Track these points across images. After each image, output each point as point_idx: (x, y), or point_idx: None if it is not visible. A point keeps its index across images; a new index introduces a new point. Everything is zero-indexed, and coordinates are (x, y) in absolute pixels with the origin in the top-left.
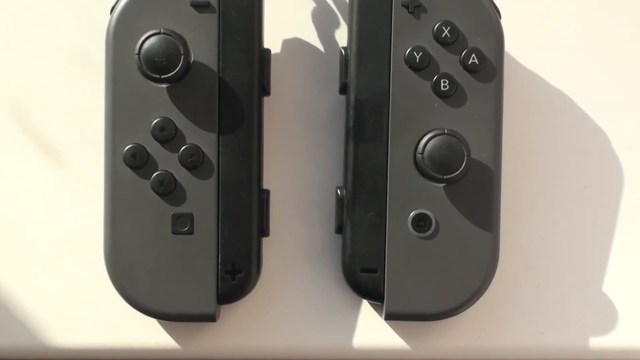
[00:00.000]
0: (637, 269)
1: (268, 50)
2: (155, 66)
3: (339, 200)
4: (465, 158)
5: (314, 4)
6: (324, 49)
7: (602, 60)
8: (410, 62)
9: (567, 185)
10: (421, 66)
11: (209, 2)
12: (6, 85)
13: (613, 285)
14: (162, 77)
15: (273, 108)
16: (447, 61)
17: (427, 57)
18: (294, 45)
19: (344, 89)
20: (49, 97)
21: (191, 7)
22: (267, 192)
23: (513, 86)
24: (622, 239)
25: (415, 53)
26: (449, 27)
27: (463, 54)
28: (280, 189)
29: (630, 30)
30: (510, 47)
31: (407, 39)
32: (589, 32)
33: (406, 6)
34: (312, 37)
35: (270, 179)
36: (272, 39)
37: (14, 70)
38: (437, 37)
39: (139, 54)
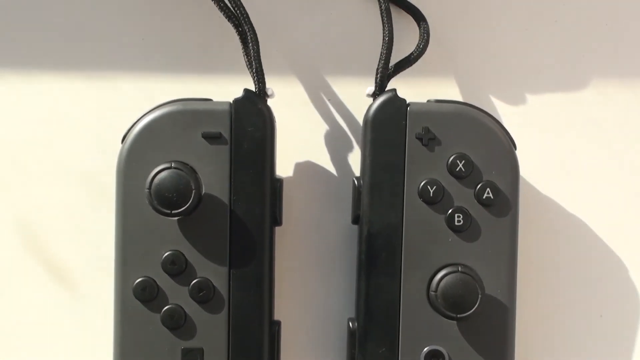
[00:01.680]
0: None
1: (280, 180)
2: (166, 201)
3: (351, 334)
4: (479, 296)
5: (327, 127)
6: (337, 173)
7: (618, 186)
8: (424, 196)
9: (583, 315)
10: (435, 200)
11: (220, 134)
12: (18, 210)
13: None
14: (172, 212)
15: (285, 237)
16: (461, 195)
17: (441, 191)
18: (306, 169)
19: (356, 220)
20: (61, 222)
21: (203, 139)
22: (278, 323)
23: (527, 211)
24: None
25: (429, 187)
26: (463, 161)
27: (478, 187)
28: (291, 320)
29: None
30: (525, 171)
31: (421, 171)
32: (605, 157)
33: (420, 138)
34: (325, 160)
35: (282, 309)
36: (284, 161)
37: (26, 194)
38: (452, 170)
39: (149, 188)
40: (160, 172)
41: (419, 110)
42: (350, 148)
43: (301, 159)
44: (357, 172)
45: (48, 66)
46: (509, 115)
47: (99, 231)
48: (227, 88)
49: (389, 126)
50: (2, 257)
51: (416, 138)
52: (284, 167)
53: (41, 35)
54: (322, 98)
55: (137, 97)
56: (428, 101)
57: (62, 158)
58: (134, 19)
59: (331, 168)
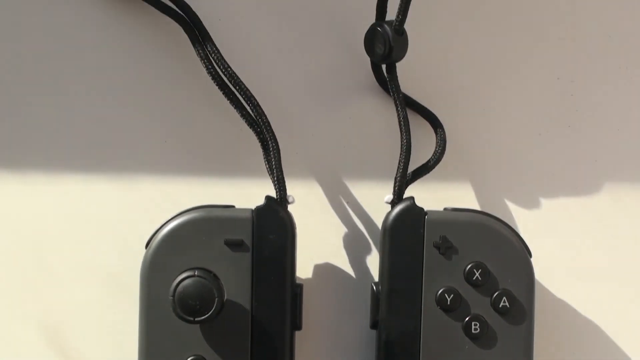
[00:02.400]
0: None
1: (300, 286)
2: (190, 309)
3: None
4: None
5: (346, 230)
6: (356, 276)
7: (633, 290)
8: (441, 304)
9: None
10: (452, 308)
11: (242, 241)
12: (43, 309)
13: None
14: (196, 319)
15: (304, 341)
16: (478, 303)
17: (458, 299)
18: (325, 272)
19: (375, 325)
20: (84, 322)
21: (225, 246)
22: None
23: (543, 315)
24: None
25: (446, 295)
26: (480, 270)
27: (494, 296)
28: None
29: None
30: (540, 275)
31: (439, 279)
32: (619, 262)
33: (437, 247)
34: (344, 263)
35: None
36: (304, 263)
37: (50, 293)
38: (468, 278)
39: (173, 296)
40: (183, 280)
41: (436, 219)
42: (368, 251)
43: (320, 261)
44: (375, 275)
45: (73, 168)
46: (523, 220)
47: (122, 332)
48: (248, 191)
49: (407, 234)
50: (27, 356)
51: (434, 247)
52: (303, 269)
53: (67, 138)
54: (342, 202)
55: (160, 199)
56: (445, 209)
57: (86, 259)
58: (157, 123)
59: (350, 271)
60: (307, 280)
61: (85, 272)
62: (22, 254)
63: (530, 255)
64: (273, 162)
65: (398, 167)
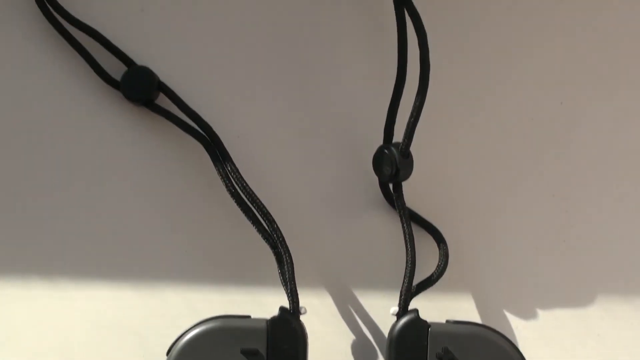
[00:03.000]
0: None
1: None
2: None
3: None
4: None
5: (354, 337)
6: None
7: None
8: None
9: None
10: None
11: (257, 350)
12: None
13: None
14: None
15: None
16: None
17: None
18: None
19: None
20: None
21: (241, 354)
22: None
23: None
24: None
25: None
26: None
27: None
28: None
29: None
30: None
31: None
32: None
33: (440, 358)
34: None
35: None
36: None
37: None
38: None
39: None
40: None
41: (439, 331)
42: (375, 358)
43: None
44: None
45: (100, 275)
46: (521, 329)
47: None
48: (263, 299)
49: (412, 345)
50: None
51: (436, 357)
52: None
53: (96, 247)
54: (351, 312)
55: (181, 306)
56: (447, 321)
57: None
58: (179, 235)
59: None
60: None
61: None
62: (50, 356)
63: None
64: (287, 275)
65: (403, 281)
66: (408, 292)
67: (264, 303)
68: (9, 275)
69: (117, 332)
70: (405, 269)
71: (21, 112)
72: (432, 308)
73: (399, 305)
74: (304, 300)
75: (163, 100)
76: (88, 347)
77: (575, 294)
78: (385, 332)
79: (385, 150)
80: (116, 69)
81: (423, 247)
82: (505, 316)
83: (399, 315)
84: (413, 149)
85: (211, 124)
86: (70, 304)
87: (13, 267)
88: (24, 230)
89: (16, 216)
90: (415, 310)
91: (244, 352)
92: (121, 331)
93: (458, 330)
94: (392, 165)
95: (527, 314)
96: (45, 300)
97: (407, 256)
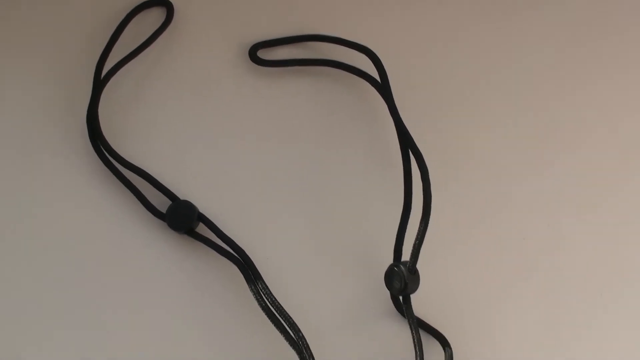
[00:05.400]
0: None
1: None
2: None
3: None
4: None
5: None
6: None
7: None
8: None
9: None
10: None
11: None
12: None
13: None
14: None
15: None
16: None
17: None
18: None
19: None
20: None
21: None
22: None
23: None
24: None
25: None
26: None
27: None
28: None
29: None
30: None
31: None
32: None
33: None
34: None
35: None
36: None
37: None
38: None
39: None
40: None
41: None
42: None
43: None
44: None
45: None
46: None
47: None
48: None
49: None
50: None
51: None
52: None
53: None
54: None
55: None
56: None
57: None
58: (214, 342)
59: None
60: None
61: None
62: None
63: None
64: None
65: None
66: None
67: None
68: None
69: None
70: None
71: (77, 243)
72: None
73: None
74: None
75: (202, 229)
76: None
77: (567, 350)
78: None
79: (395, 268)
80: (161, 202)
81: (431, 351)
82: None
83: None
84: (419, 265)
85: (244, 248)
86: None
87: None
88: (76, 345)
89: (70, 333)
90: None
91: None
92: None
93: None
94: (401, 280)
95: None
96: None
97: (416, 359)
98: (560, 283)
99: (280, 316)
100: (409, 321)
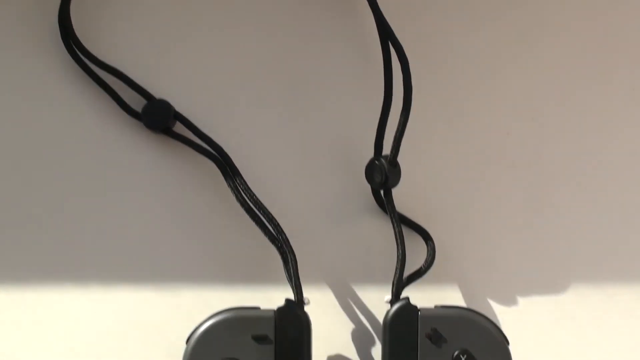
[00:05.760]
0: None
1: None
2: None
3: None
4: None
5: (353, 326)
6: None
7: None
8: None
9: None
10: None
11: (266, 336)
12: None
13: None
14: None
15: None
16: None
17: None
18: None
19: None
20: None
21: (252, 339)
22: None
23: None
24: None
25: None
26: (465, 355)
27: None
28: None
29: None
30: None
31: None
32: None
33: (429, 337)
34: (352, 354)
35: None
36: (318, 355)
37: None
38: None
39: None
40: None
41: (428, 315)
42: (372, 343)
43: (332, 353)
44: None
45: (125, 278)
46: (502, 314)
47: None
48: (270, 295)
49: (404, 328)
50: None
51: (426, 337)
52: (318, 359)
53: (121, 254)
54: (349, 302)
55: (197, 303)
56: (435, 306)
57: (135, 355)
58: (195, 241)
59: (357, 358)
60: None
61: None
62: (81, 352)
63: (508, 343)
64: (291, 271)
65: (395, 273)
66: (399, 283)
67: (271, 298)
68: (45, 281)
69: (141, 328)
70: (397, 262)
71: (51, 145)
72: (422, 297)
73: (392, 294)
74: (307, 294)
75: (179, 128)
76: (115, 341)
77: (551, 281)
78: (381, 319)
79: (376, 162)
80: (137, 102)
81: (412, 246)
82: (488, 303)
83: (392, 303)
84: (401, 160)
85: (222, 146)
86: (99, 305)
87: (49, 275)
88: (59, 242)
89: (54, 230)
90: (407, 298)
91: (255, 338)
92: (144, 327)
93: (445, 313)
94: (382, 174)
95: (508, 300)
96: (77, 302)
97: (398, 252)
98: (543, 176)
99: (259, 211)
100: (390, 215)
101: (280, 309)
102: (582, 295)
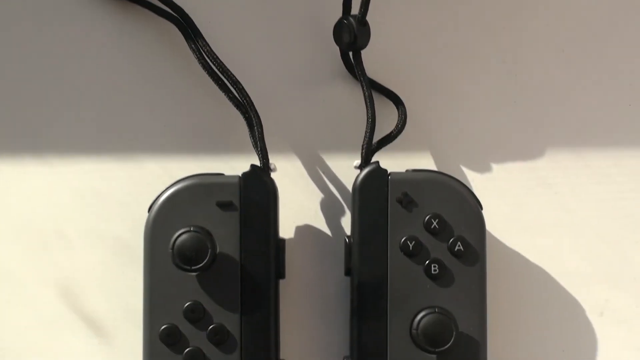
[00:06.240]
0: None
1: (283, 240)
2: (187, 259)
3: None
4: (454, 333)
5: (322, 195)
6: (331, 233)
7: (573, 236)
8: (404, 250)
9: (546, 351)
10: (414, 253)
11: (231, 202)
12: (59, 270)
13: None
14: (192, 267)
15: (288, 288)
16: (436, 248)
17: (419, 245)
18: (305, 231)
19: (348, 272)
20: (95, 280)
21: (217, 206)
22: None
23: (495, 261)
24: None
25: (408, 242)
26: (437, 219)
27: (450, 241)
28: (295, 357)
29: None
30: (491, 228)
31: (402, 229)
32: (557, 213)
33: (400, 201)
34: (320, 223)
35: (287, 350)
36: (287, 225)
37: (66, 257)
38: (427, 227)
39: (172, 248)
40: (181, 235)
41: (399, 178)
42: (341, 211)
43: (301, 223)
44: (348, 230)
45: (86, 149)
46: (476, 181)
47: (128, 285)
48: (236, 164)
49: (374, 193)
50: (44, 310)
51: (396, 201)
52: (286, 231)
53: (81, 125)
54: (317, 171)
55: (160, 173)
56: (407, 171)
57: (96, 226)
58: (157, 109)
59: (326, 229)
60: (290, 239)
61: (95, 238)
62: (41, 224)
63: (481, 207)
64: (257, 136)
65: (364, 136)
66: (369, 146)
67: (237, 167)
68: (3, 152)
69: (101, 200)
70: (366, 126)
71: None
72: (393, 164)
73: (361, 158)
74: (274, 162)
75: None
76: (77, 214)
77: (525, 147)
78: (350, 187)
79: (344, 21)
80: None
81: (383, 112)
82: (461, 170)
83: (361, 167)
84: (371, 19)
85: (183, 8)
86: (58, 178)
87: (6, 146)
88: (17, 112)
89: (12, 100)
90: (376, 162)
91: (219, 205)
92: (105, 198)
93: (417, 177)
94: (351, 33)
95: (482, 167)
96: (37, 174)
97: (367, 114)
98: (520, 40)
99: (222, 75)
100: (359, 79)
101: (245, 174)
102: (557, 161)
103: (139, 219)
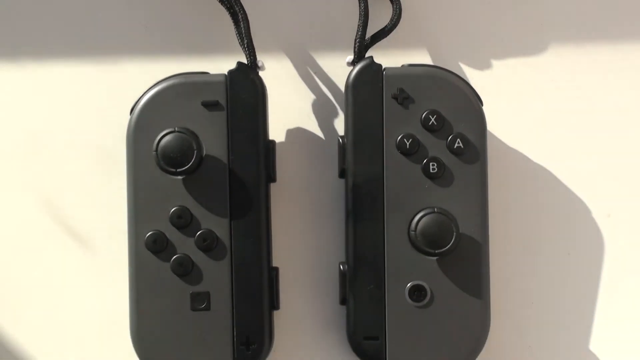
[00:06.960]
0: (620, 328)
1: (273, 142)
2: (171, 161)
3: (342, 275)
4: (455, 234)
5: (313, 96)
6: (324, 135)
7: (578, 135)
8: (401, 148)
9: (551, 253)
10: (411, 151)
11: (217, 101)
12: (41, 179)
13: (600, 344)
14: (177, 170)
15: (279, 193)
16: (434, 146)
17: (416, 143)
18: (296, 134)
19: (342, 174)
20: (78, 188)
21: (202, 106)
22: (277, 269)
23: (497, 163)
24: (605, 301)
25: (405, 140)
26: (435, 116)
27: (449, 139)
28: (288, 266)
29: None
30: (492, 126)
31: (398, 127)
32: (559, 112)
33: (395, 98)
34: (312, 125)
35: (279, 257)
36: (277, 129)
37: (47, 166)
38: (425, 124)
39: (156, 150)
40: (165, 136)
41: (394, 73)
42: (334, 112)
43: (292, 126)
44: (341, 132)
45: (63, 54)
46: (475, 78)
47: (112, 194)
48: (221, 64)
49: (367, 89)
50: (27, 221)
51: (392, 98)
52: (277, 134)
53: (55, 25)
54: (308, 70)
55: (141, 76)
56: (402, 66)
57: (76, 132)
58: (136, 7)
59: (318, 131)
60: (281, 142)
61: (76, 146)
62: (20, 134)
63: (482, 103)
64: (243, 31)
65: (357, 30)
66: (362, 40)
67: (223, 68)
68: None
69: (82, 105)
70: (359, 19)
71: None
72: (388, 61)
73: (354, 53)
74: (262, 61)
75: None
76: (56, 121)
77: (527, 42)
78: (342, 86)
79: None
80: None
81: (377, 5)
82: (460, 66)
83: (354, 63)
84: None
85: None
86: (35, 83)
87: None
88: None
89: None
90: (370, 57)
91: (205, 104)
92: (86, 103)
93: (412, 71)
94: None
95: (481, 63)
96: (13, 81)
97: (360, 7)
98: None
99: None
100: None
101: (231, 72)
102: (560, 55)
103: (120, 123)
